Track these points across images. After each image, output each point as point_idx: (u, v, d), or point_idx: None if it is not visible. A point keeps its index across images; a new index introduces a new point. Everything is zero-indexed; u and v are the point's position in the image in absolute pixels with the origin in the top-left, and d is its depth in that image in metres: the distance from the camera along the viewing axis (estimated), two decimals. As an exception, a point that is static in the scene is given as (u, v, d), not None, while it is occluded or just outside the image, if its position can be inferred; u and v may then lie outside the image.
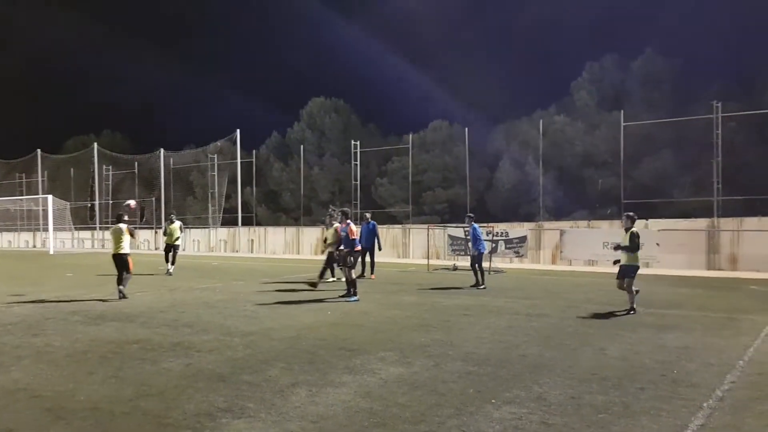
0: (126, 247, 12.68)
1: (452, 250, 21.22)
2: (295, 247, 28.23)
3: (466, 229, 15.53)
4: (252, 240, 30.27)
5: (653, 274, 16.96)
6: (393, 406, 5.11)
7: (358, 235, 13.61)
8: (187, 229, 32.72)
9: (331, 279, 15.36)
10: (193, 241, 33.00)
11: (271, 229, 30.66)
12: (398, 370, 6.35)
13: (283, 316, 10.03)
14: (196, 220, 35.91)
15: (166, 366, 6.60)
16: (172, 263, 17.89)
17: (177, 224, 18.30)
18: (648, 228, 19.87)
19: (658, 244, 18.68)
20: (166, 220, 19.42)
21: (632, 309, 10.08)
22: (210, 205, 34.17)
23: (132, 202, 16.18)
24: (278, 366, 6.52)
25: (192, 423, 4.71)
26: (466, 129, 26.11)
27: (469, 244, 14.74)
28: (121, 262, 12.62)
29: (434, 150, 33.74)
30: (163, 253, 18.35)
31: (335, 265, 13.63)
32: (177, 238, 18.15)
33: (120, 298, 12.23)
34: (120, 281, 12.52)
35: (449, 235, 21.70)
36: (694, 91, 30.10)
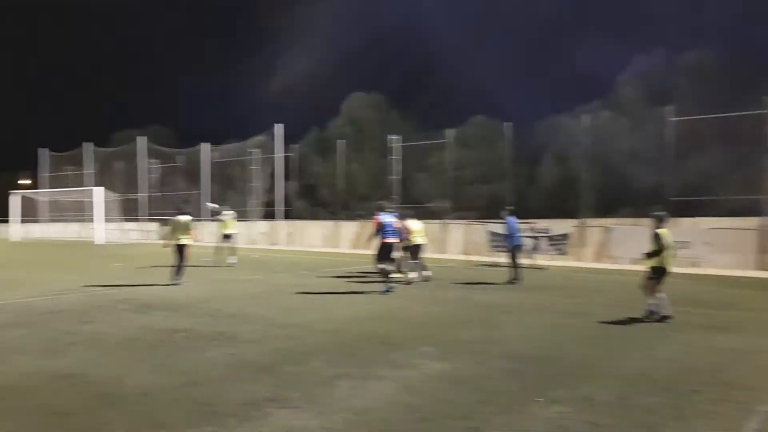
0: (187, 239, 13.40)
1: (492, 247, 21.04)
2: (334, 240, 28.37)
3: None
4: (291, 233, 30.51)
5: (701, 273, 16.51)
6: (436, 402, 5.09)
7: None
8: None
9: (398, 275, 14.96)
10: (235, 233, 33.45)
11: (309, 223, 30.86)
12: (440, 366, 6.32)
13: (324, 309, 10.09)
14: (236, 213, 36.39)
15: (211, 355, 6.71)
16: (232, 254, 18.21)
17: (226, 215, 18.73)
18: (696, 227, 19.35)
19: (706, 244, 18.19)
20: (217, 213, 19.97)
21: (651, 313, 9.02)
22: (250, 198, 34.60)
23: (213, 205, 17.18)
24: (320, 358, 6.56)
25: (238, 411, 4.77)
26: (508, 124, 25.78)
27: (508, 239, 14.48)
28: (181, 252, 13.32)
29: (474, 145, 33.51)
30: (219, 245, 18.68)
31: (386, 258, 13.05)
32: (228, 227, 18.49)
33: (173, 284, 12.94)
34: (176, 270, 13.29)
35: (489, 231, 21.51)
36: (745, 85, 29.17)
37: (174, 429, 4.39)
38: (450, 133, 27.75)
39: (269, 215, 33.43)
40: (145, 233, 37.68)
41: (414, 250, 14.22)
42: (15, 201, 41.87)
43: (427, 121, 38.74)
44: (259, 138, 34.55)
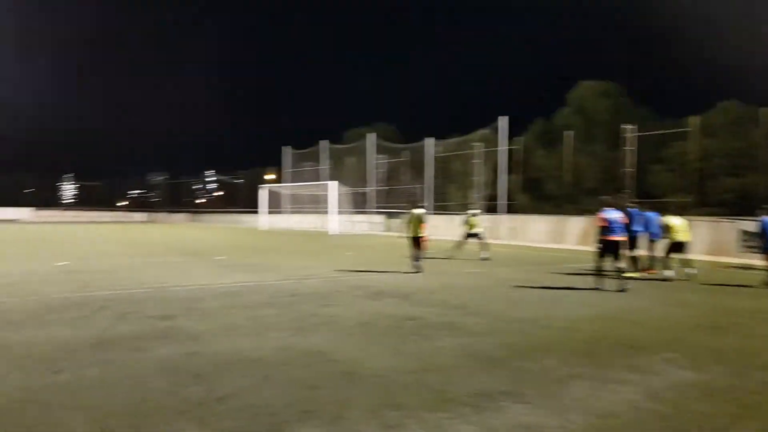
0: (423, 231, 14.08)
1: (744, 247, 18.74)
2: (558, 236, 27.46)
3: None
4: (513, 228, 30.12)
5: None
6: (687, 413, 4.60)
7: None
8: (449, 216, 33.81)
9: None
10: (453, 227, 34.02)
11: (532, 218, 30.22)
12: (688, 374, 5.73)
13: (552, 306, 9.75)
14: (458, 207, 36.91)
15: (441, 344, 6.81)
16: (484, 250, 18.45)
17: (472, 213, 19.08)
18: None
19: None
20: (466, 210, 20.59)
21: None
22: (472, 192, 34.89)
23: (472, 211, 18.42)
24: (553, 355, 6.32)
25: (471, 401, 4.76)
26: (765, 108, 22.70)
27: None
28: (417, 243, 14.11)
29: (723, 133, 30.01)
30: (461, 240, 19.00)
31: (608, 257, 12.22)
32: (473, 226, 18.78)
33: (415, 272, 13.80)
34: (415, 258, 14.14)
35: (740, 230, 19.21)
36: None
37: (411, 411, 4.50)
38: (693, 121, 25.31)
39: (491, 209, 33.40)
40: (372, 225, 39.92)
41: (676, 247, 13.65)
42: (263, 194, 47.03)
43: (665, 109, 35.76)
44: (482, 131, 34.66)
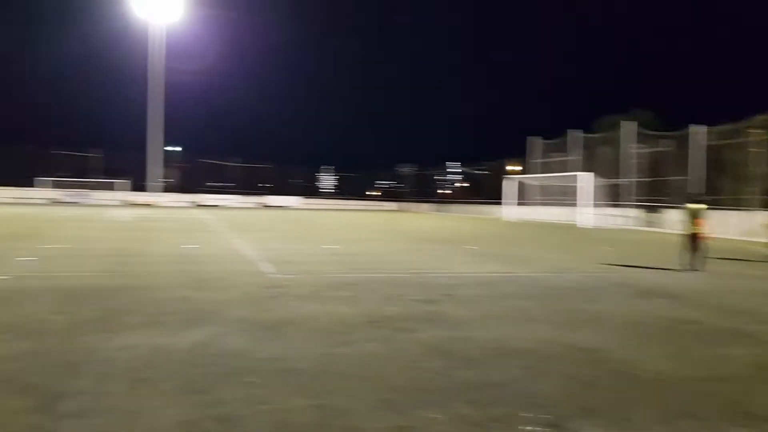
0: (700, 227, 13.11)
1: None
2: None
3: None
4: (801, 226, 25.94)
5: None
6: None
7: None
8: (720, 212, 30.33)
9: None
10: (726, 224, 30.45)
11: (826, 215, 25.82)
12: None
13: None
14: (731, 201, 32.91)
15: (727, 351, 6.09)
16: None
17: None
18: None
19: None
20: None
21: None
22: (748, 185, 30.86)
23: None
24: None
25: (779, 420, 4.14)
26: None
27: None
28: (693, 241, 13.13)
29: None
30: None
31: None
32: None
33: (686, 271, 12.81)
34: (690, 257, 13.11)
35: None
36: None
37: (707, 422, 4.07)
38: None
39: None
40: (627, 219, 37.46)
41: None
42: (508, 185, 46.91)
43: None
44: (764, 117, 30.44)
